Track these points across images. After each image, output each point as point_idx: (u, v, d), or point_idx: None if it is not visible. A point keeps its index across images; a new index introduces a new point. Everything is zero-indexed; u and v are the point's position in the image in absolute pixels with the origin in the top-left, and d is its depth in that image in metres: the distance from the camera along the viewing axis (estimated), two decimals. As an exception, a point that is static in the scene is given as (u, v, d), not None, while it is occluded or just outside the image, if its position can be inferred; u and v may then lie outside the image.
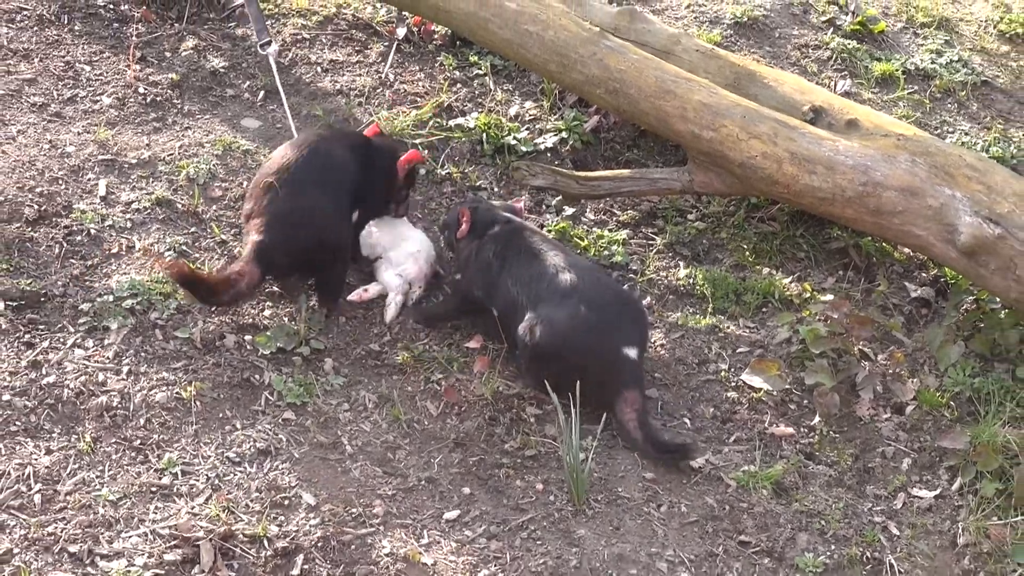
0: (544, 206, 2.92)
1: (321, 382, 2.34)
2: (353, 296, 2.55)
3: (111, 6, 3.23)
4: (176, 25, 3.22)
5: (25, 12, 3.17)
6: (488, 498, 2.17)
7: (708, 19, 3.53)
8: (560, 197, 2.91)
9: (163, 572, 1.90)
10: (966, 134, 3.28)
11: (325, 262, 2.46)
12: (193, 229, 2.62)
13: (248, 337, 2.39)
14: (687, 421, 2.42)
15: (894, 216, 2.52)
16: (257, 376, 2.32)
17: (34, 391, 2.17)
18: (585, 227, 2.90)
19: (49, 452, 2.08)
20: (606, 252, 2.81)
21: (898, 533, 2.22)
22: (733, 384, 2.51)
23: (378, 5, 3.35)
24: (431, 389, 2.38)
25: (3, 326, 2.28)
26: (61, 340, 2.29)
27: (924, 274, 2.85)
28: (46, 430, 2.12)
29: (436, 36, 3.31)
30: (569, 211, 2.90)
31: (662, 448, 2.27)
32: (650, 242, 2.90)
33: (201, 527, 1.96)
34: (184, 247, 2.56)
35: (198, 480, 2.08)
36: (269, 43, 2.93)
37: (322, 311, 2.48)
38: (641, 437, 2.27)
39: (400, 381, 2.39)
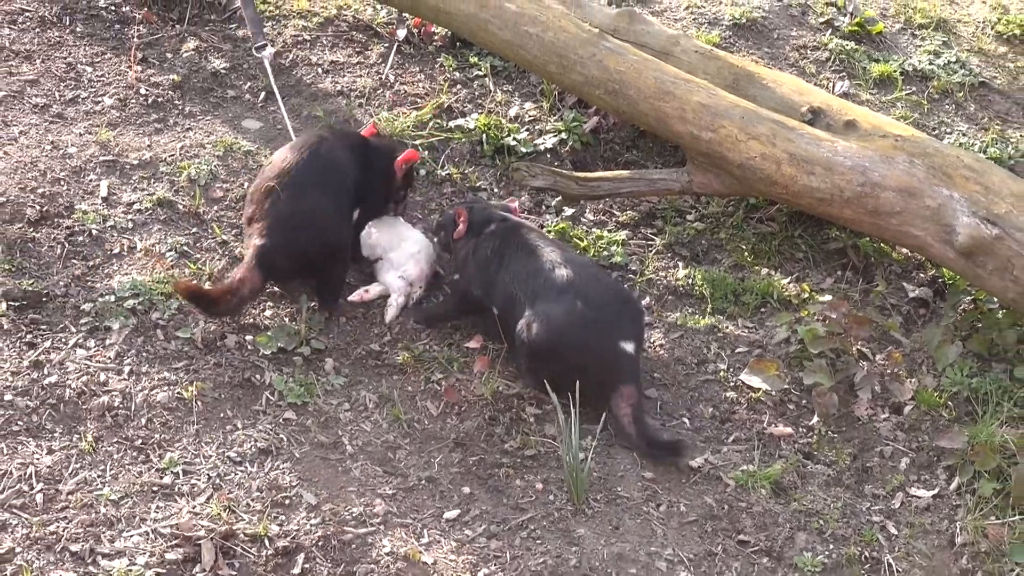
0: (544, 207, 2.93)
1: (322, 382, 2.35)
2: (354, 297, 2.56)
3: (113, 8, 3.24)
4: (177, 26, 3.22)
5: (27, 14, 3.18)
6: (488, 497, 2.18)
7: (707, 20, 3.54)
8: (560, 198, 2.92)
9: (164, 571, 1.90)
10: (964, 135, 3.29)
11: (326, 264, 2.47)
12: (194, 230, 2.63)
13: (249, 337, 2.39)
14: (686, 421, 2.43)
15: (892, 217, 2.53)
16: (258, 376, 2.33)
17: (36, 391, 2.18)
18: (584, 228, 2.90)
19: (51, 452, 2.09)
20: (605, 252, 2.81)
21: (896, 532, 2.23)
22: (732, 384, 2.52)
23: (378, 7, 3.36)
24: (431, 389, 2.38)
25: (5, 326, 2.29)
26: (63, 340, 2.30)
27: (922, 274, 2.86)
28: (48, 430, 2.13)
29: (436, 37, 3.32)
30: (569, 212, 2.91)
31: (655, 445, 2.28)
32: (649, 242, 2.91)
33: (202, 526, 1.97)
34: (185, 247, 2.57)
35: (199, 479, 2.09)
36: (264, 46, 2.94)
37: (323, 312, 2.49)
38: (635, 433, 2.28)
39: (400, 381, 2.40)
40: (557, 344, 2.27)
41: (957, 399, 2.48)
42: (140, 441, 2.14)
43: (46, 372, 2.22)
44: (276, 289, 2.53)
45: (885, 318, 2.69)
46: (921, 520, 2.25)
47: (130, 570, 1.89)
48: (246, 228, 2.46)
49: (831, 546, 2.19)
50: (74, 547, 1.92)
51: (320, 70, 3.18)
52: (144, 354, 2.30)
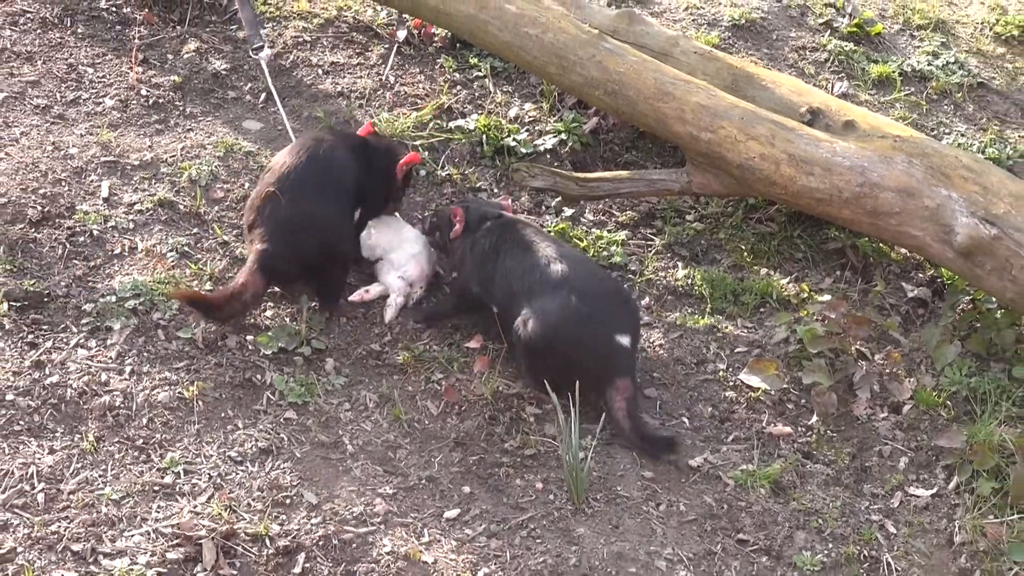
0: (544, 207, 2.94)
1: (322, 382, 2.35)
2: (355, 297, 2.57)
3: (114, 9, 3.24)
4: (178, 28, 3.23)
5: (28, 15, 3.19)
6: (488, 497, 2.18)
7: (706, 21, 3.54)
8: (559, 198, 2.93)
9: (166, 571, 1.91)
10: (962, 135, 3.30)
11: (327, 266, 2.48)
12: (195, 230, 2.64)
13: (250, 337, 2.40)
14: (686, 420, 2.43)
15: (891, 217, 2.54)
16: (259, 376, 2.33)
17: (37, 391, 2.19)
18: (584, 228, 2.91)
19: (52, 451, 2.10)
20: (605, 253, 2.82)
21: (895, 531, 2.23)
22: (731, 384, 2.52)
23: (378, 8, 3.37)
24: (431, 389, 2.39)
25: (7, 326, 2.30)
26: (64, 340, 2.30)
27: (921, 274, 2.87)
28: (49, 429, 2.14)
29: (436, 38, 3.33)
30: (568, 212, 2.92)
31: (649, 439, 2.29)
32: (649, 243, 2.92)
33: (203, 526, 1.97)
34: (186, 248, 2.57)
35: (200, 479, 2.10)
36: (262, 48, 2.95)
37: (323, 312, 2.50)
38: (629, 427, 2.28)
39: (401, 381, 2.40)
40: (552, 339, 2.28)
41: (956, 398, 2.48)
42: (141, 441, 2.15)
43: (47, 372, 2.23)
44: (277, 290, 2.53)
45: (884, 318, 2.70)
46: (920, 519, 2.26)
47: (131, 569, 1.89)
48: (247, 233, 2.47)
49: (830, 545, 2.19)
50: (75, 547, 1.93)
51: (320, 71, 3.18)
52: (145, 354, 2.31)
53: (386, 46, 3.28)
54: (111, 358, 2.28)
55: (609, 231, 2.91)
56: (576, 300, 2.28)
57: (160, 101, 2.99)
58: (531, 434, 2.31)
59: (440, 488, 2.18)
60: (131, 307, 2.38)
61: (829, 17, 3.63)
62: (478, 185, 2.95)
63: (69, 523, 1.96)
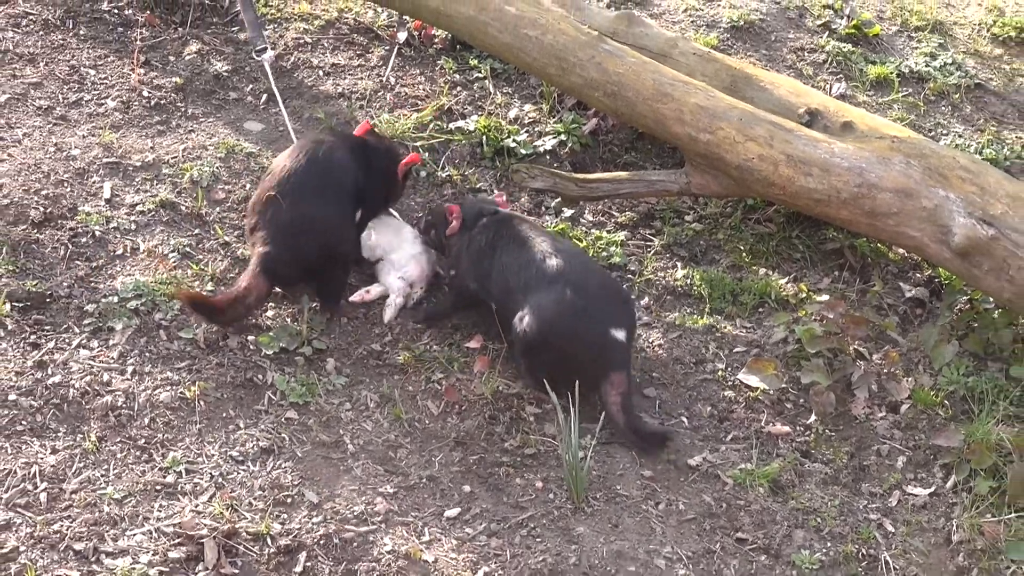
0: (543, 208, 2.95)
1: (323, 382, 2.36)
2: (355, 297, 2.58)
3: (115, 11, 3.25)
4: (180, 29, 3.24)
5: (31, 17, 3.20)
6: (488, 496, 2.19)
7: (705, 23, 3.56)
8: (559, 199, 2.94)
9: (167, 570, 1.92)
10: (960, 136, 3.31)
11: (328, 267, 2.49)
12: (197, 231, 2.65)
13: (251, 337, 2.41)
14: (685, 420, 2.44)
15: (889, 217, 2.55)
16: (260, 376, 2.34)
17: (40, 391, 2.20)
18: (584, 228, 2.92)
19: (55, 451, 2.10)
20: (604, 253, 2.83)
21: (893, 530, 2.24)
22: (730, 383, 2.53)
23: (379, 10, 3.38)
24: (432, 388, 2.40)
25: (9, 327, 2.31)
26: (66, 340, 2.31)
27: (918, 275, 2.88)
28: (52, 429, 2.15)
29: (436, 40, 3.34)
30: (568, 213, 2.93)
31: (641, 434, 2.30)
32: (648, 243, 2.93)
33: (205, 525, 1.98)
34: (188, 249, 2.58)
35: (202, 479, 2.10)
36: (265, 49, 2.96)
37: (324, 312, 2.51)
38: (622, 421, 2.29)
39: (401, 381, 2.41)
40: (548, 333, 2.29)
41: (953, 398, 2.49)
42: (143, 440, 2.16)
43: (50, 372, 2.24)
44: (278, 290, 2.54)
45: (882, 318, 2.71)
46: (918, 518, 2.27)
47: (133, 569, 1.90)
48: (249, 235, 2.48)
49: (828, 544, 2.20)
50: (78, 546, 1.93)
51: (321, 72, 3.20)
52: (147, 354, 2.32)
53: (387, 48, 3.29)
54: (113, 358, 2.29)
55: (608, 232, 2.92)
56: (571, 294, 2.29)
57: (162, 102, 3.00)
58: (531, 433, 2.32)
59: (440, 487, 2.19)
60: (133, 307, 2.39)
61: (827, 18, 3.65)
62: (478, 186, 2.96)
63: (71, 522, 1.97)
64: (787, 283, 2.83)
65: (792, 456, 2.37)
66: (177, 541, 1.96)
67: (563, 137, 3.08)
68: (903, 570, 2.16)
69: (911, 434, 2.45)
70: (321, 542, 2.02)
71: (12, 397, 2.18)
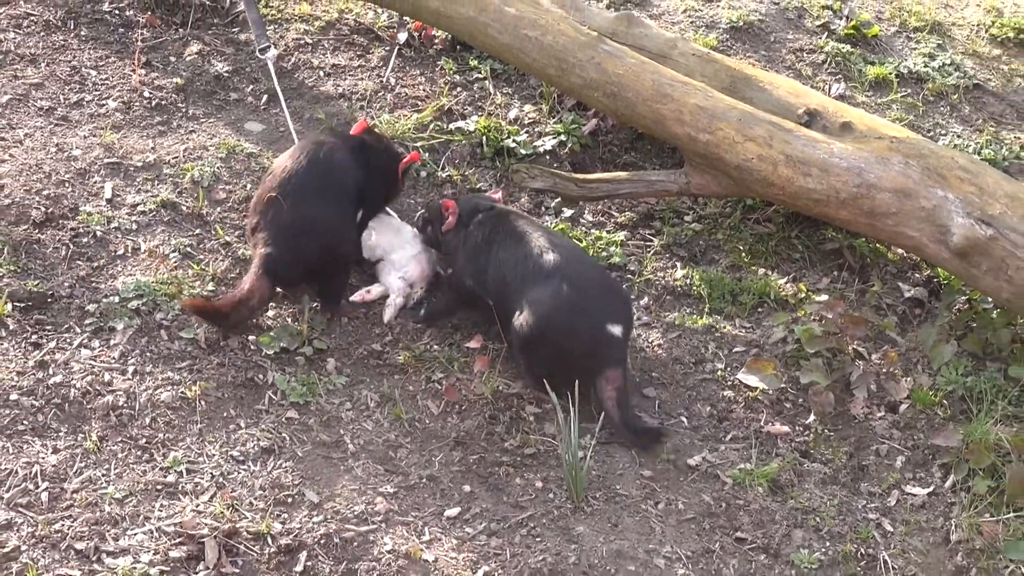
0: (543, 208, 2.96)
1: (324, 381, 2.37)
2: (356, 297, 2.59)
3: (117, 12, 3.26)
4: (181, 30, 3.25)
5: (32, 18, 3.20)
6: (488, 496, 2.20)
7: (704, 24, 3.56)
8: (559, 199, 2.95)
9: (168, 569, 1.92)
10: (958, 136, 3.32)
11: (330, 267, 2.49)
12: (197, 231, 2.66)
13: (252, 337, 2.42)
14: (684, 419, 2.45)
15: (887, 217, 2.56)
16: (261, 376, 2.35)
17: (41, 391, 2.20)
18: (583, 229, 2.93)
19: (56, 451, 2.11)
20: (604, 253, 2.84)
21: (892, 530, 2.25)
22: (729, 383, 2.54)
23: (379, 10, 3.39)
24: (432, 388, 2.41)
25: (11, 327, 2.32)
26: (68, 340, 2.32)
27: (917, 275, 2.88)
28: (53, 429, 2.15)
29: (437, 41, 3.35)
30: (568, 213, 2.94)
31: (636, 430, 2.30)
32: (648, 243, 2.93)
33: (206, 524, 1.99)
34: (189, 249, 2.59)
35: (203, 478, 2.11)
36: (268, 48, 2.97)
37: (325, 313, 2.52)
38: (617, 416, 2.30)
39: (401, 380, 2.42)
40: (545, 328, 2.29)
41: (952, 398, 2.50)
42: (144, 440, 2.16)
43: (51, 372, 2.24)
44: (278, 291, 2.55)
45: (881, 318, 2.72)
46: (916, 517, 2.27)
47: (134, 568, 1.91)
48: (250, 236, 2.48)
49: (827, 543, 2.21)
50: (79, 545, 1.94)
51: (322, 73, 3.20)
52: (148, 354, 2.33)
53: (387, 48, 3.30)
54: (114, 358, 2.30)
55: (608, 232, 2.93)
56: (568, 289, 2.29)
57: (163, 103, 3.01)
58: (531, 433, 2.33)
59: (441, 487, 2.20)
60: (134, 307, 2.40)
61: (826, 19, 3.65)
62: (478, 186, 2.97)
63: (73, 522, 1.98)
64: (786, 283, 2.83)
65: (791, 456, 2.38)
66: (178, 540, 1.97)
67: (563, 137, 3.09)
68: (902, 569, 2.16)
69: (910, 434, 2.45)
70: (321, 541, 2.02)
71: (13, 397, 2.18)
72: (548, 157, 3.06)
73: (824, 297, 2.74)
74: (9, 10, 3.21)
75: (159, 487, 2.07)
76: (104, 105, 2.97)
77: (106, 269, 2.50)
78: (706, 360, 2.60)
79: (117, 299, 2.41)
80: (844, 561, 2.18)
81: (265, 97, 3.08)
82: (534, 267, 2.33)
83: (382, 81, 3.19)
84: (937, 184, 2.54)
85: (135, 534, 1.98)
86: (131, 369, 2.29)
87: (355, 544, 2.04)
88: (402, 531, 2.08)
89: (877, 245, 2.92)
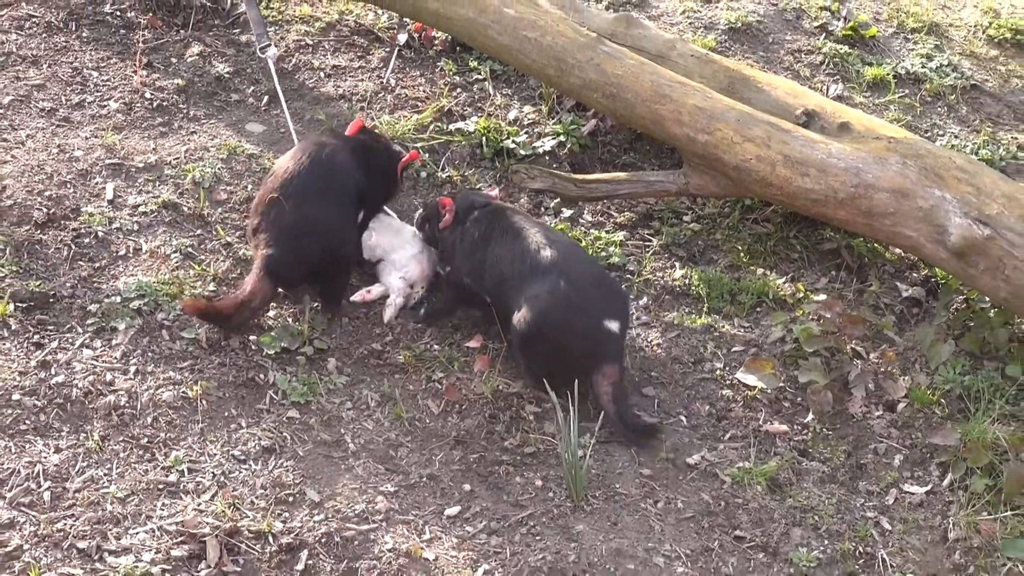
0: (543, 208, 2.97)
1: (324, 381, 2.38)
2: (356, 297, 2.60)
3: (118, 13, 3.27)
4: (182, 32, 3.26)
5: (34, 19, 3.21)
6: (488, 494, 2.20)
7: (703, 25, 3.58)
8: (558, 199, 2.96)
9: (170, 567, 1.93)
10: (956, 137, 3.33)
11: (331, 268, 2.50)
12: (199, 232, 2.67)
13: (253, 337, 2.42)
14: (683, 419, 2.46)
15: (885, 217, 2.57)
16: (262, 375, 2.36)
17: (43, 390, 2.21)
18: (583, 229, 2.94)
19: (58, 450, 2.12)
20: (603, 253, 2.85)
21: (890, 528, 2.26)
22: (728, 382, 2.55)
23: (380, 12, 3.40)
24: (432, 388, 2.42)
25: (13, 327, 2.32)
26: (70, 340, 2.33)
27: (915, 274, 2.90)
28: (55, 429, 2.16)
29: (436, 42, 3.36)
30: (567, 213, 2.95)
31: (631, 426, 2.31)
32: (646, 243, 2.94)
33: (207, 523, 2.00)
34: (190, 249, 2.60)
35: (204, 477, 2.12)
36: (269, 47, 2.98)
37: (326, 313, 2.53)
38: (613, 412, 2.31)
39: (402, 380, 2.43)
40: (543, 324, 2.29)
41: (950, 397, 2.51)
42: (146, 440, 2.17)
43: (53, 372, 2.25)
44: (279, 291, 2.56)
45: (879, 317, 2.73)
46: (914, 516, 2.28)
47: (136, 567, 1.92)
48: (251, 237, 2.49)
49: (826, 542, 2.22)
50: (81, 544, 1.95)
51: (322, 74, 3.21)
52: (149, 354, 2.33)
53: (387, 49, 3.31)
54: (116, 358, 2.31)
55: (607, 232, 2.94)
56: (565, 285, 2.30)
57: (164, 104, 3.02)
58: (531, 432, 2.34)
59: (441, 486, 2.21)
60: (135, 308, 2.41)
61: (824, 20, 3.67)
62: (478, 187, 2.98)
63: (75, 521, 1.99)
64: (785, 283, 2.84)
65: (790, 454, 2.39)
66: (180, 539, 1.98)
67: (562, 138, 3.10)
68: (900, 568, 2.17)
69: (908, 433, 2.46)
70: (322, 540, 2.03)
71: (16, 397, 2.19)
72: (547, 158, 3.07)
73: (822, 296, 2.76)
74: (11, 11, 3.22)
75: (161, 486, 2.08)
76: (105, 106, 2.98)
77: (108, 269, 2.51)
78: (705, 359, 2.61)
79: (119, 299, 2.42)
80: (842, 559, 2.19)
81: (266, 98, 3.09)
82: (531, 263, 2.34)
83: (382, 82, 3.20)
84: (935, 184, 2.55)
85: (137, 533, 1.99)
86: (133, 369, 2.30)
87: (356, 543, 2.05)
88: (403, 530, 2.09)
89: (875, 245, 2.93)
